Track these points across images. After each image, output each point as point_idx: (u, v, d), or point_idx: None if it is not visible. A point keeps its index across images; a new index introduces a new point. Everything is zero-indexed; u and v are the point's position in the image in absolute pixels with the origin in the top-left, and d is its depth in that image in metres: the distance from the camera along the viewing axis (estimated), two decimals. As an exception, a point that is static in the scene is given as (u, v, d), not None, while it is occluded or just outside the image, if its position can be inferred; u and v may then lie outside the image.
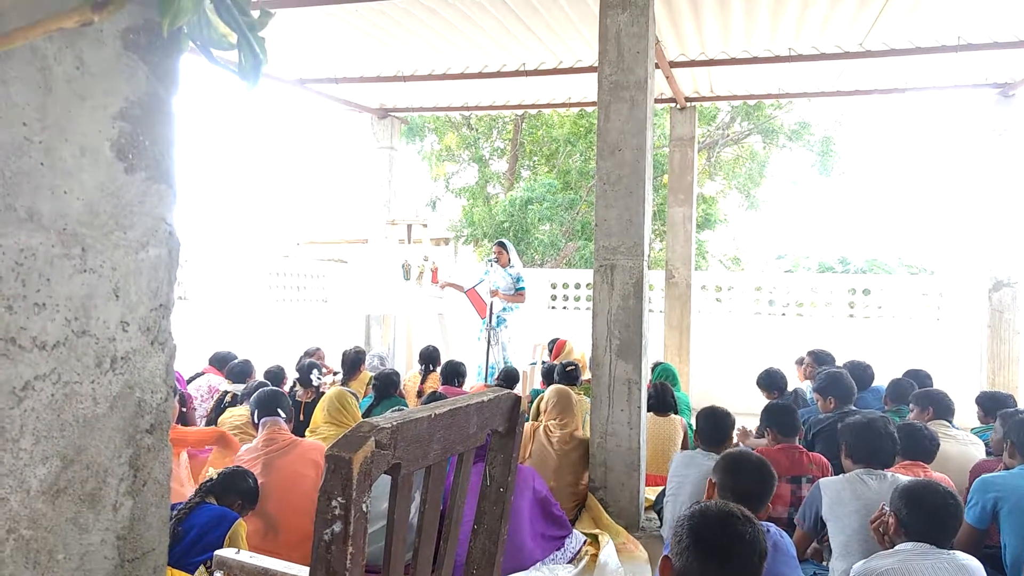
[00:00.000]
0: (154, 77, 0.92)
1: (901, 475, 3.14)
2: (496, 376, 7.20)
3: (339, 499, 1.11)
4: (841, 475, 3.22)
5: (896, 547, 2.48)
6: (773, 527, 2.40)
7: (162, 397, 0.97)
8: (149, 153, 0.92)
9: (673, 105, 8.29)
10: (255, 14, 0.97)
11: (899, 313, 9.22)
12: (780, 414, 3.98)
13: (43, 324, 0.79)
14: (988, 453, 4.07)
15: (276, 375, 5.71)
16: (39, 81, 0.77)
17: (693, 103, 8.31)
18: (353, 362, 6.19)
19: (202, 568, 2.76)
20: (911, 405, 4.58)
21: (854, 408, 4.50)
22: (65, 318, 0.81)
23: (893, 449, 3.23)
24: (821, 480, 3.24)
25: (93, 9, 0.76)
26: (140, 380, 0.93)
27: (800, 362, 6.51)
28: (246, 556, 2.06)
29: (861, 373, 5.29)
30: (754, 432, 5.05)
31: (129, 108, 0.89)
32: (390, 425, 1.21)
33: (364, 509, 1.14)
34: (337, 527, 1.11)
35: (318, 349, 6.94)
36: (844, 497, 3.06)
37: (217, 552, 2.11)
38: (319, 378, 5.56)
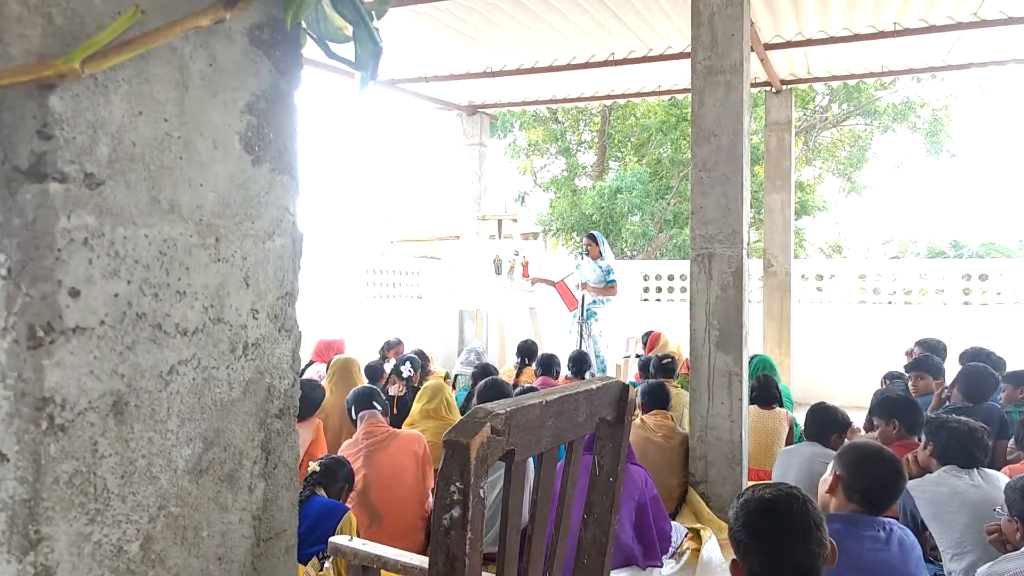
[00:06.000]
0: (277, 71, 0.95)
1: (988, 469, 3.00)
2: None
3: (457, 484, 1.12)
4: (927, 476, 3.05)
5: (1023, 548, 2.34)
6: (897, 525, 2.29)
7: (289, 383, 1.00)
8: (273, 145, 0.95)
9: (768, 88, 8.01)
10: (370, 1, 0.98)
11: (1022, 299, 8.61)
12: (907, 408, 3.80)
13: (184, 311, 0.82)
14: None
15: (375, 369, 5.91)
16: (177, 79, 0.80)
17: (789, 86, 8.01)
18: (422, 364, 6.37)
19: (314, 559, 2.86)
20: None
21: (969, 405, 4.25)
22: (203, 305, 0.85)
23: (984, 459, 3.05)
24: (909, 484, 3.05)
25: (225, 7, 0.79)
26: (269, 366, 0.96)
27: (909, 353, 6.17)
28: (359, 543, 2.12)
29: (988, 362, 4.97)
30: (862, 427, 4.82)
31: (255, 102, 0.92)
32: (504, 411, 1.21)
33: (481, 494, 1.15)
34: (456, 512, 1.12)
35: (399, 341, 7.10)
36: (942, 496, 2.91)
37: (331, 539, 2.18)
38: (410, 371, 5.70)
